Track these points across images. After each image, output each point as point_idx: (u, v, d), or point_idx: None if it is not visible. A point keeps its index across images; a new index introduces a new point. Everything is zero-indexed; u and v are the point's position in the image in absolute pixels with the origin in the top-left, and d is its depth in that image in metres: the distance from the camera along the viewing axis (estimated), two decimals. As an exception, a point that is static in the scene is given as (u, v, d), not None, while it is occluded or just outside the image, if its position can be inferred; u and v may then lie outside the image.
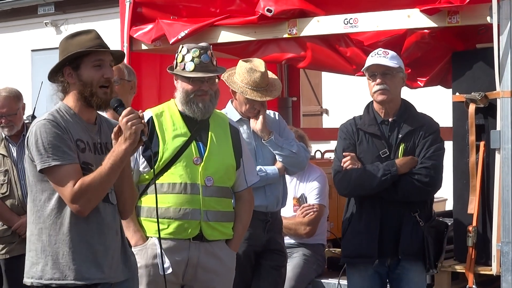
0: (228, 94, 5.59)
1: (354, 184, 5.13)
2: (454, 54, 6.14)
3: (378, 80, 5.15)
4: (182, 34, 6.36)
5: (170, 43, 6.40)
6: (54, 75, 4.10)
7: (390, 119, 5.21)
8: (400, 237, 5.10)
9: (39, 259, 3.97)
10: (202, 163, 4.71)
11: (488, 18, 5.31)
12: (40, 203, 3.99)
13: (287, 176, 5.89)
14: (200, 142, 4.76)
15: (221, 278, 4.78)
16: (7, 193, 6.26)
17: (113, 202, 4.10)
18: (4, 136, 6.39)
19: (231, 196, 4.86)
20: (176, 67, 4.78)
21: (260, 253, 5.57)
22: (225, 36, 6.37)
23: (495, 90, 5.35)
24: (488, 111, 5.57)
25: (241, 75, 5.46)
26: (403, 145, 5.15)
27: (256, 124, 5.52)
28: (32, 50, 16.36)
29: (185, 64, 4.72)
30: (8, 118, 6.37)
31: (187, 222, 4.64)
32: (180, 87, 4.78)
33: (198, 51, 4.71)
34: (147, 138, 3.97)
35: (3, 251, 6.32)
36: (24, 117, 8.85)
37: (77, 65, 4.03)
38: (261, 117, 5.51)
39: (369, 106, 5.30)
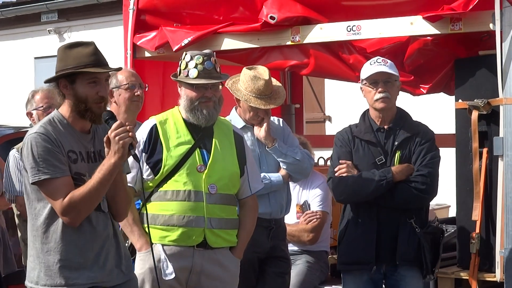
0: (232, 101, 5.59)
1: (350, 189, 5.16)
2: (457, 61, 6.15)
3: (380, 88, 5.16)
4: (186, 41, 6.37)
5: (174, 50, 6.40)
6: (50, 83, 4.14)
7: (385, 127, 5.23)
8: (397, 244, 5.12)
9: (35, 265, 4.08)
10: (206, 171, 4.71)
11: (491, 25, 5.32)
12: (35, 211, 4.07)
13: (290, 183, 5.89)
14: (204, 150, 4.77)
15: (225, 285, 4.79)
16: None
17: (104, 210, 4.15)
18: None
19: (235, 203, 4.87)
20: (179, 74, 4.78)
21: (264, 260, 5.56)
22: (228, 44, 6.38)
23: (498, 97, 5.36)
24: (491, 118, 5.58)
25: (245, 82, 5.46)
26: (399, 152, 5.18)
27: (260, 132, 5.52)
28: (36, 58, 16.37)
29: (188, 71, 4.73)
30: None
31: (191, 230, 4.64)
32: (184, 94, 4.78)
33: (202, 57, 4.72)
34: (135, 151, 4.02)
35: None
36: (27, 124, 8.91)
37: (73, 79, 4.06)
38: (265, 124, 5.50)
39: (365, 114, 5.32)
